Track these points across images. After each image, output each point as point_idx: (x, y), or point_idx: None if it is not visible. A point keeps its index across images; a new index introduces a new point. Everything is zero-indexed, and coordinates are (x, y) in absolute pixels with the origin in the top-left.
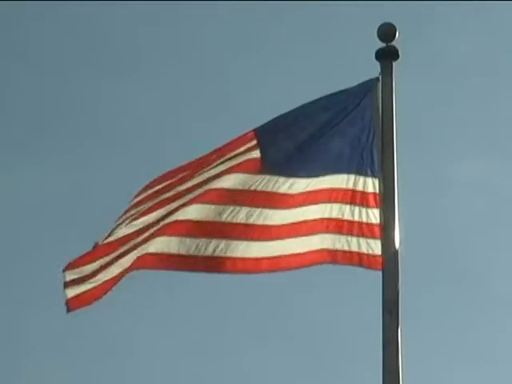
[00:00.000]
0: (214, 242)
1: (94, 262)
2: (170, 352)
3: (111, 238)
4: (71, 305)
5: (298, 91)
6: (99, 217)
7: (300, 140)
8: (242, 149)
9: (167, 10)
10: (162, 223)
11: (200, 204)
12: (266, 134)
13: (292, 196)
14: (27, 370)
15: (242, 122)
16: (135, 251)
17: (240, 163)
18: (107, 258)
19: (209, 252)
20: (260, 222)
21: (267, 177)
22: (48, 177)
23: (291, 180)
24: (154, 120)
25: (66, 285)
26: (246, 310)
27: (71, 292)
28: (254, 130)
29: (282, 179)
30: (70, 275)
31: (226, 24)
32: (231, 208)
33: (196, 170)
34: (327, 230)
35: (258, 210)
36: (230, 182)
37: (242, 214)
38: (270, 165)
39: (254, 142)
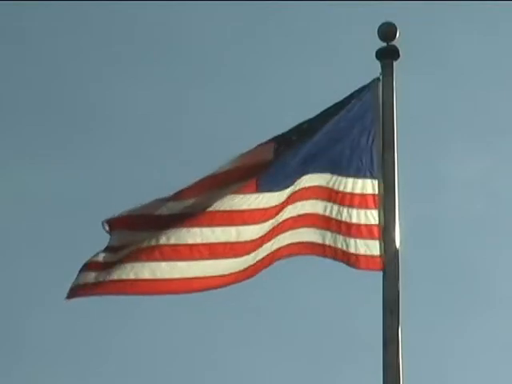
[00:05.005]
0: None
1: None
2: (169, 350)
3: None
4: (73, 293)
5: (299, 91)
6: (99, 217)
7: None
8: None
9: (166, 9)
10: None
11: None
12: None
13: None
14: (27, 371)
15: (242, 119)
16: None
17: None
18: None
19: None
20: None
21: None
22: (48, 177)
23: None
24: (155, 119)
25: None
26: (246, 310)
27: (81, 279)
28: (274, 141)
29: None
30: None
31: (226, 23)
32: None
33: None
34: (328, 227)
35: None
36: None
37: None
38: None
39: (271, 157)
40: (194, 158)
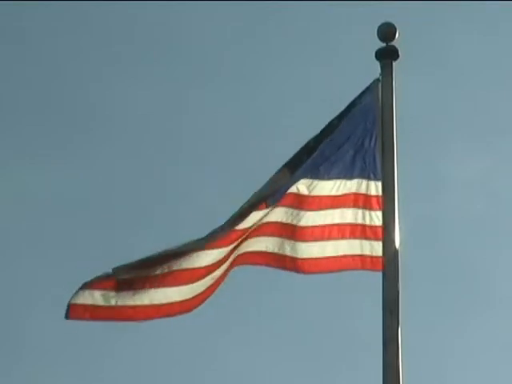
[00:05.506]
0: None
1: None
2: (170, 350)
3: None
4: (73, 312)
5: (299, 91)
6: (99, 217)
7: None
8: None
9: (166, 9)
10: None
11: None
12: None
13: (296, 195)
14: (27, 371)
15: (242, 119)
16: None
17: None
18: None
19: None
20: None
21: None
22: (48, 177)
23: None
24: (155, 119)
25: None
26: (246, 310)
27: (81, 298)
28: (287, 167)
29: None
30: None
31: (226, 23)
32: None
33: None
34: (329, 237)
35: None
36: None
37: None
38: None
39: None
40: (194, 158)
